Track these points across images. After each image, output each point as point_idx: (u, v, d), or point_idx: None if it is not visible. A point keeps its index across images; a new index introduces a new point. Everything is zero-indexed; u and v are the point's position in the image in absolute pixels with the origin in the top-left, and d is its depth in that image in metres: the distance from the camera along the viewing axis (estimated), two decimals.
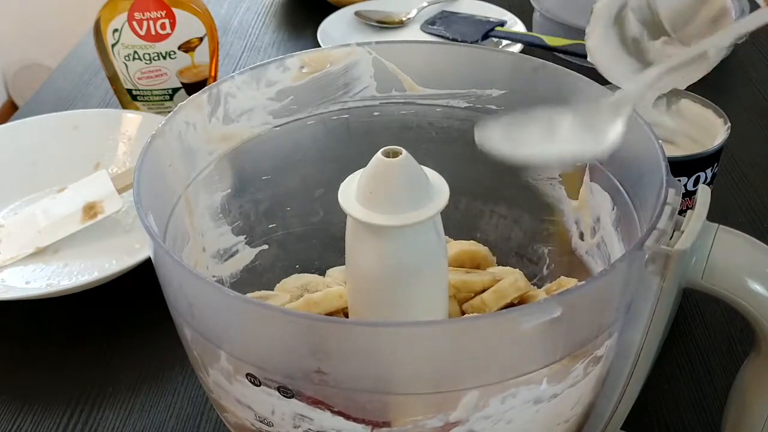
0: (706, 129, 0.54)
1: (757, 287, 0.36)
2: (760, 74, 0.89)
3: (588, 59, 0.52)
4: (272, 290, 0.50)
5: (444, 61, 0.49)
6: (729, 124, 0.52)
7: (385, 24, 0.96)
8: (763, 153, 0.76)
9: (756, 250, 0.37)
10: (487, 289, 0.46)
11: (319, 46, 0.87)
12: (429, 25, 0.96)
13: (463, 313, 0.47)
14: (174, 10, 0.73)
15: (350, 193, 0.39)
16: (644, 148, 0.39)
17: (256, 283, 0.50)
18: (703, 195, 0.37)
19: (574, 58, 0.83)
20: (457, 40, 0.90)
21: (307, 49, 0.48)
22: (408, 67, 0.48)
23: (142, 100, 0.78)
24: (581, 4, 0.65)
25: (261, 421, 0.36)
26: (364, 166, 0.39)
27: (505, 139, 0.37)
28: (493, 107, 0.48)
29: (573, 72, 0.45)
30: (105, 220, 0.64)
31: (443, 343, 0.33)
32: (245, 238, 0.50)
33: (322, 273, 0.52)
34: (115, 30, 0.74)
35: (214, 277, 0.48)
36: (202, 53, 0.76)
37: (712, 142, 0.52)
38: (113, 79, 0.77)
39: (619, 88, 0.52)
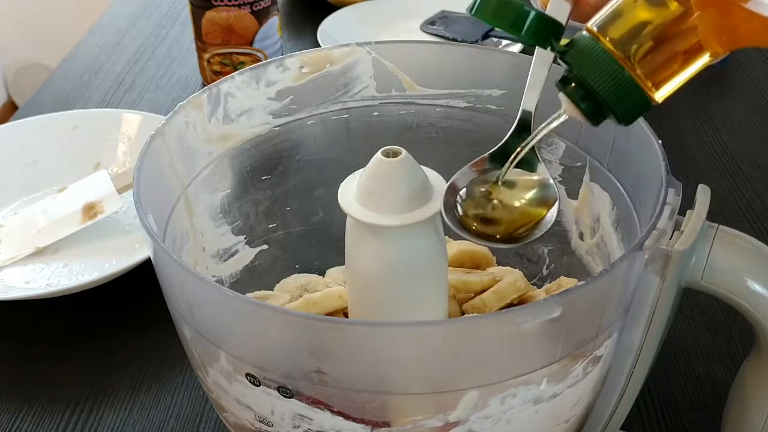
0: None
1: (757, 287, 0.36)
2: (760, 74, 0.89)
3: None
4: (272, 290, 0.50)
5: (444, 61, 0.49)
6: None
7: None
8: (763, 153, 0.76)
9: (756, 250, 0.37)
10: (487, 289, 0.46)
11: (319, 46, 0.87)
12: (429, 25, 0.96)
13: (463, 313, 0.47)
14: None
15: (350, 193, 0.39)
16: (644, 148, 0.39)
17: (255, 283, 0.50)
18: (703, 195, 0.37)
19: None
20: (457, 40, 0.90)
21: (307, 49, 0.48)
22: (408, 67, 0.48)
23: None
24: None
25: (261, 421, 0.36)
26: (364, 166, 0.39)
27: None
28: (493, 107, 0.48)
29: None
30: (105, 220, 0.64)
31: (443, 343, 0.33)
32: (245, 238, 0.50)
33: (322, 273, 0.52)
34: None
35: (214, 277, 0.48)
36: None
37: None
38: None
39: None
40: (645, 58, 0.32)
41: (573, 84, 0.34)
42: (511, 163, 0.38)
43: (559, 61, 0.34)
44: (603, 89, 0.32)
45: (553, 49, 0.34)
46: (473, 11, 0.33)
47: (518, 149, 0.37)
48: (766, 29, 0.30)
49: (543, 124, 0.36)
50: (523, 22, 0.33)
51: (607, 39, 0.32)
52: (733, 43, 0.31)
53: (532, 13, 0.33)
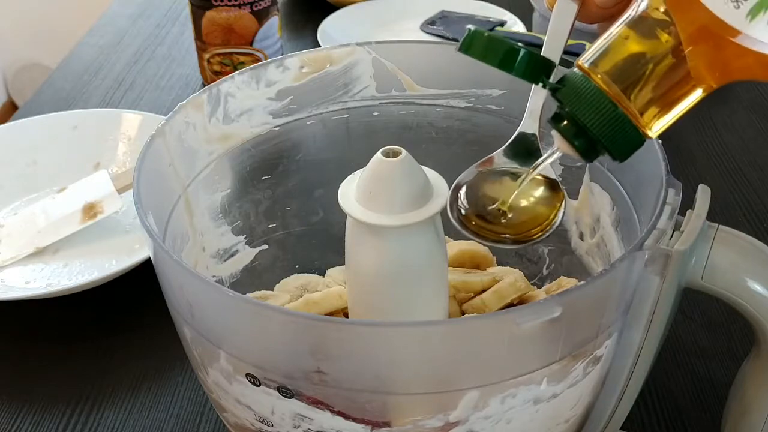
0: None
1: (757, 287, 0.36)
2: None
3: None
4: (272, 290, 0.50)
5: (444, 61, 0.49)
6: None
7: None
8: (763, 153, 0.76)
9: (756, 250, 0.37)
10: (487, 289, 0.46)
11: (319, 46, 0.87)
12: (429, 25, 0.96)
13: (463, 313, 0.47)
14: None
15: (350, 193, 0.39)
16: (644, 148, 0.39)
17: (256, 283, 0.50)
18: (703, 195, 0.37)
19: (574, 58, 0.83)
20: (457, 40, 0.90)
21: (307, 49, 0.48)
22: (408, 67, 0.48)
23: None
24: None
25: (261, 421, 0.36)
26: (364, 166, 0.39)
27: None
28: (493, 107, 0.48)
29: None
30: (105, 220, 0.64)
31: (443, 343, 0.33)
32: (245, 238, 0.50)
33: (322, 273, 0.52)
34: None
35: (214, 277, 0.48)
36: None
37: None
38: None
39: None
40: (637, 94, 0.32)
41: (566, 121, 0.34)
42: (519, 187, 0.38)
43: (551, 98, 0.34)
44: (596, 127, 0.32)
45: (544, 86, 0.34)
46: (464, 50, 0.33)
47: (520, 180, 0.38)
48: (760, 64, 0.30)
49: (538, 161, 0.36)
50: (513, 61, 0.33)
51: (599, 76, 0.32)
52: (727, 78, 0.31)
53: (522, 52, 0.33)
